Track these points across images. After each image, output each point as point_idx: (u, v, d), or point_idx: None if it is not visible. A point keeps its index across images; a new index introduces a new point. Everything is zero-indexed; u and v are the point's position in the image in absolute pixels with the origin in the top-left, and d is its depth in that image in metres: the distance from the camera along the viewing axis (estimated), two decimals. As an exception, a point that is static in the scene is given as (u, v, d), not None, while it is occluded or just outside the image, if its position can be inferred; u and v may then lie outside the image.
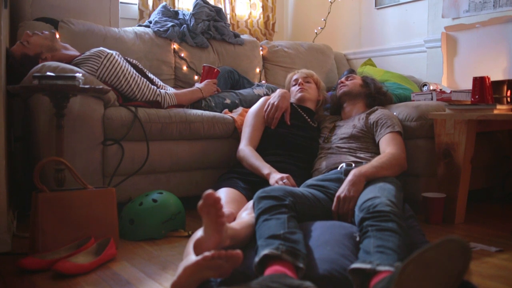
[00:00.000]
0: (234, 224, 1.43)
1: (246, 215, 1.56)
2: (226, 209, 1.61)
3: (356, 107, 2.25)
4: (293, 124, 2.20)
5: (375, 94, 2.26)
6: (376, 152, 1.99)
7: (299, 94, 2.31)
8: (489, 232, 1.97)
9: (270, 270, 1.18)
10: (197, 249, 1.24)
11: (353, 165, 1.87)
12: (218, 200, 1.21)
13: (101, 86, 1.86)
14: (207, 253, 1.18)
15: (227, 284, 1.21)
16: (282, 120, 2.19)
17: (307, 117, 2.28)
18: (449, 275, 0.99)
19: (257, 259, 1.22)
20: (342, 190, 1.68)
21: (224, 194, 1.81)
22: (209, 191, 1.20)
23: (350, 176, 1.71)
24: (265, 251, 1.22)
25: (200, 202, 1.20)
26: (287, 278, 1.11)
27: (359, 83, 2.29)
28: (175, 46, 2.92)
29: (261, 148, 2.12)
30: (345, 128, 2.12)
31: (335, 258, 1.28)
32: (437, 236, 1.85)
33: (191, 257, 1.27)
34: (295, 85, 2.37)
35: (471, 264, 0.99)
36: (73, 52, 2.25)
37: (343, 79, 2.36)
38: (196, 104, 2.47)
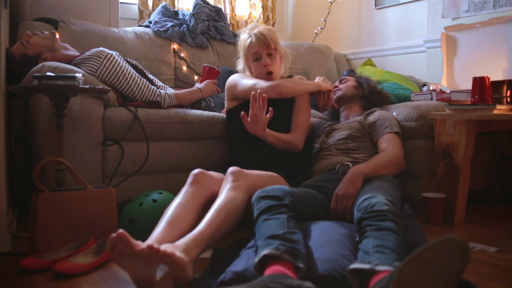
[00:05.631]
0: (201, 228, 1.44)
1: (225, 192, 1.59)
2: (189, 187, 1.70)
3: (353, 110, 2.26)
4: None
5: (369, 95, 2.26)
6: (374, 152, 1.99)
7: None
8: (489, 232, 1.97)
9: (270, 270, 1.18)
10: None
11: (350, 165, 1.87)
12: (123, 235, 1.22)
13: (101, 86, 1.86)
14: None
15: (227, 284, 1.21)
16: (279, 118, 2.12)
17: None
18: (448, 274, 0.99)
19: (257, 259, 1.22)
20: (340, 188, 1.68)
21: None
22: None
23: (348, 174, 1.71)
24: (265, 251, 1.22)
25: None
26: (287, 278, 1.11)
27: (352, 85, 2.29)
28: (175, 46, 2.92)
29: (256, 139, 2.04)
30: (343, 130, 2.12)
31: (335, 258, 1.28)
32: (437, 236, 1.84)
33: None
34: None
35: (471, 264, 0.99)
36: (73, 52, 2.25)
37: (336, 83, 2.35)
38: (196, 105, 2.47)
